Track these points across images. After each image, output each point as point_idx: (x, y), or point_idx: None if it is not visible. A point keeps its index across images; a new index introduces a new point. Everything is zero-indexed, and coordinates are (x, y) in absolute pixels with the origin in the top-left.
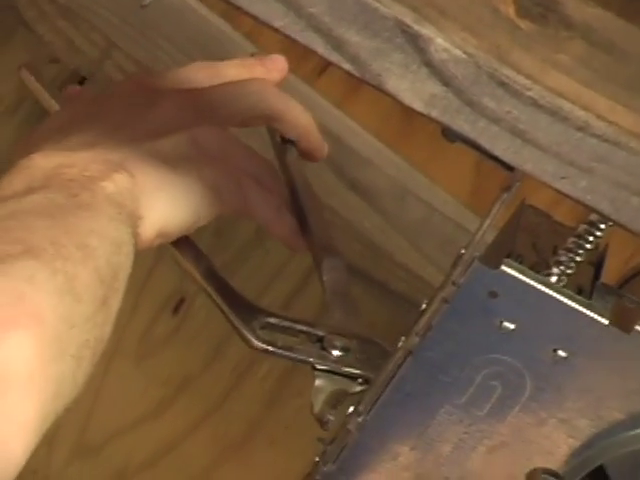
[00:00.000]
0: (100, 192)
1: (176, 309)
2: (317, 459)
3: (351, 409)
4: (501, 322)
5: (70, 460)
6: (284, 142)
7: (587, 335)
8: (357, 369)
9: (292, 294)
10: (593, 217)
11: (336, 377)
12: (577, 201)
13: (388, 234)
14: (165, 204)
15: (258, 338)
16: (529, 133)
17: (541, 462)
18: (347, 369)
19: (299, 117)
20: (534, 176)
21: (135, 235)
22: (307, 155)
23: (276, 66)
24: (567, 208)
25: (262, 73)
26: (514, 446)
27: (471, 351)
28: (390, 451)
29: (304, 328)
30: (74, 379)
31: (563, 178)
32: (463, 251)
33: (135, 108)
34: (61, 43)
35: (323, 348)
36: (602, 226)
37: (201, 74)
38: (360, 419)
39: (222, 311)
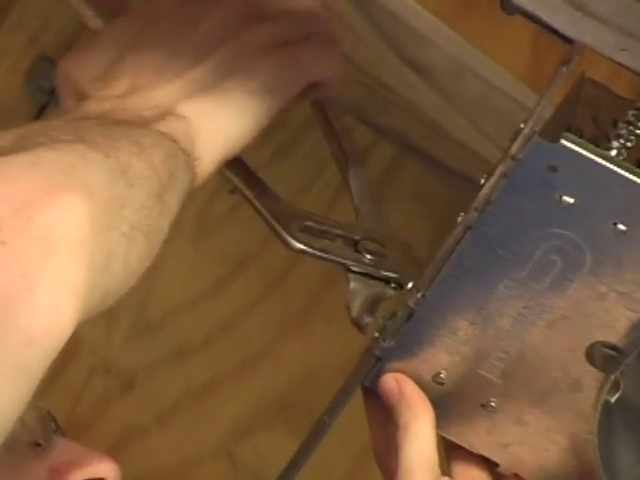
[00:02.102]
0: (154, 129)
1: (233, 187)
2: (376, 335)
3: (410, 285)
4: (560, 196)
5: (129, 338)
6: None
7: None
8: (391, 272)
9: (335, 192)
10: None
11: (370, 281)
12: (637, 73)
13: (446, 112)
14: (223, 135)
15: (296, 240)
16: (589, 5)
17: (601, 335)
18: (381, 272)
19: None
20: (594, 48)
21: (192, 172)
22: None
23: None
24: (625, 83)
25: None
26: (574, 320)
27: (530, 226)
28: (449, 326)
29: (341, 232)
30: (125, 260)
31: (623, 50)
32: (522, 126)
33: (180, 31)
34: None
35: (358, 252)
36: None
37: None
38: (419, 294)
39: (261, 214)
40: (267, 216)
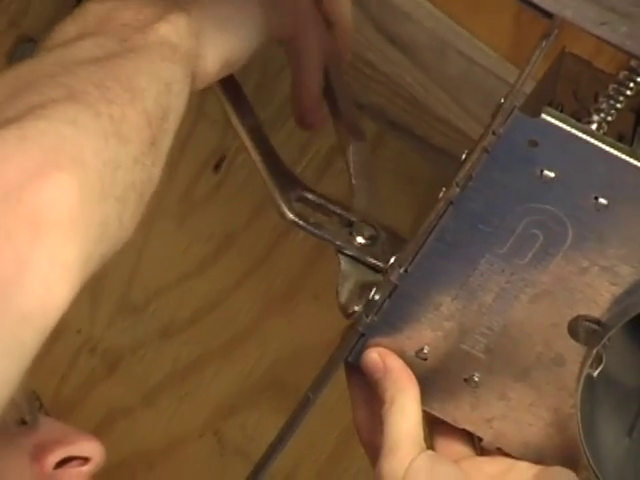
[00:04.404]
0: (153, 34)
1: (217, 167)
2: (359, 310)
3: (392, 260)
4: (542, 171)
5: (114, 318)
6: None
7: (628, 182)
8: (380, 261)
9: (318, 172)
10: (633, 63)
11: (360, 266)
12: (617, 47)
13: (429, 88)
14: (225, 36)
15: (291, 210)
16: None
17: (584, 310)
18: (370, 259)
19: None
20: (574, 22)
21: (192, 75)
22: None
23: None
24: (607, 59)
25: None
26: (556, 294)
27: (512, 200)
28: (432, 301)
29: (337, 210)
30: (120, 221)
31: (603, 24)
32: (503, 101)
33: None
34: None
35: (351, 233)
36: None
37: None
38: (402, 270)
39: (261, 176)
40: (267, 179)
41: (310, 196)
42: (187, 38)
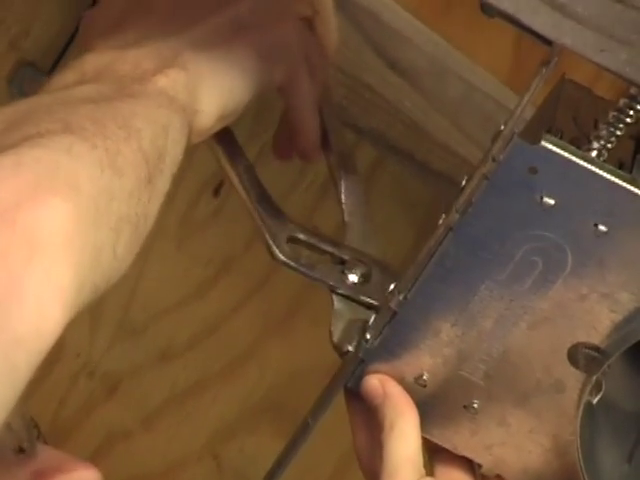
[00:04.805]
0: (151, 85)
1: (216, 191)
2: (354, 351)
3: (392, 287)
4: (541, 198)
5: (113, 342)
6: None
7: (628, 209)
8: (374, 299)
9: (318, 194)
10: (633, 90)
11: (353, 304)
12: (617, 74)
13: (428, 113)
14: (221, 92)
15: (282, 251)
16: (568, 6)
17: (583, 337)
18: (364, 298)
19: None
20: (574, 50)
21: (190, 127)
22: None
23: None
24: (606, 86)
25: None
26: (556, 321)
27: (511, 227)
28: (431, 327)
29: (329, 248)
30: (113, 252)
31: (603, 51)
32: (503, 127)
33: None
34: None
35: (343, 272)
36: None
37: None
38: (401, 297)
39: (252, 216)
40: (257, 221)
41: (301, 236)
42: (184, 93)
